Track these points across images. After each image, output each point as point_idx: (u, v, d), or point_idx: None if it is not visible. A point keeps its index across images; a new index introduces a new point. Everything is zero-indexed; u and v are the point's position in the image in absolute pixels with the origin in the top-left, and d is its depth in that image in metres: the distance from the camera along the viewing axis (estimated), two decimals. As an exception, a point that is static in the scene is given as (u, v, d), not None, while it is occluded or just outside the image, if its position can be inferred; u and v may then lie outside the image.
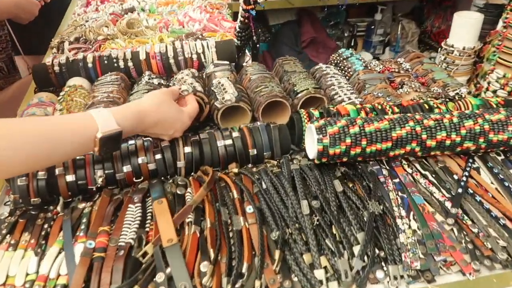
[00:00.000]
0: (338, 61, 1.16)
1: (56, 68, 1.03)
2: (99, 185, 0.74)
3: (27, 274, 0.62)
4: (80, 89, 0.98)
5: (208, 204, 0.69)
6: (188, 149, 0.78)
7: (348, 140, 0.74)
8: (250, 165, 0.82)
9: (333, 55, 1.19)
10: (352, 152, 0.75)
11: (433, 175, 0.77)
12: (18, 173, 0.65)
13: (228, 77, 0.96)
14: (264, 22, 2.33)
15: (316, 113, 0.86)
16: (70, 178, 0.73)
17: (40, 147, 0.57)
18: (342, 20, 2.53)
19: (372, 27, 2.47)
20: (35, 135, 0.57)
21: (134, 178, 0.76)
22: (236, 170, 0.77)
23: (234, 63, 1.16)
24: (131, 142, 0.78)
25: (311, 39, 2.32)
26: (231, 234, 0.65)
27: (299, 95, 0.91)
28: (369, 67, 1.08)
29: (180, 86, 0.84)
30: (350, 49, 1.18)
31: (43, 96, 0.96)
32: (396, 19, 2.55)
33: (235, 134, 0.81)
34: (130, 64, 1.06)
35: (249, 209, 0.69)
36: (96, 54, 1.06)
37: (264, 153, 0.82)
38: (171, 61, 1.08)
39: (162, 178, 0.78)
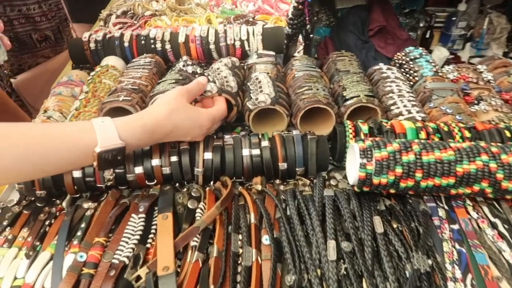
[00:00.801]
0: (404, 62, 0.98)
1: (92, 45, 0.97)
2: (108, 184, 0.68)
3: (15, 278, 0.57)
4: (112, 70, 0.92)
5: (219, 227, 0.59)
6: (208, 155, 0.68)
7: (399, 170, 0.60)
8: (278, 181, 0.70)
9: (398, 54, 1.02)
10: (402, 185, 0.61)
11: (506, 226, 0.61)
12: (4, 182, 0.60)
13: (268, 73, 0.84)
14: (330, 5, 2.14)
15: (364, 127, 0.72)
16: (77, 174, 0.66)
17: (26, 159, 0.50)
18: (419, 7, 2.25)
19: (454, 18, 2.17)
20: (19, 145, 0.50)
21: (146, 181, 0.68)
22: (259, 188, 0.66)
23: (282, 54, 1.03)
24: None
25: (380, 28, 2.09)
26: (239, 269, 0.55)
27: (348, 102, 0.77)
28: (440, 73, 0.90)
29: (205, 81, 0.74)
30: (421, 48, 1.00)
31: (73, 74, 0.91)
32: (483, 11, 2.23)
33: (264, 143, 0.70)
34: (167, 46, 0.97)
35: (266, 239, 0.58)
36: (134, 33, 0.98)
37: (297, 169, 0.70)
38: (211, 46, 0.97)
39: (177, 184, 0.69)
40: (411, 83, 0.92)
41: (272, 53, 0.95)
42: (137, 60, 0.93)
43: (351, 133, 0.71)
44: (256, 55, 0.95)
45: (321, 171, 0.72)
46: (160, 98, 0.65)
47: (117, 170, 0.67)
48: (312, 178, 0.70)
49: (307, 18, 1.00)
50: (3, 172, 0.49)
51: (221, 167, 0.69)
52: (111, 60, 0.96)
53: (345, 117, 0.77)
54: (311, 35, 1.04)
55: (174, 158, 0.67)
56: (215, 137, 0.71)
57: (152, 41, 0.97)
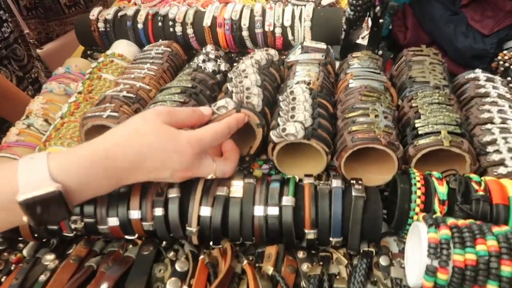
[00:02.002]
0: (510, 64, 0.69)
1: (101, 25, 0.79)
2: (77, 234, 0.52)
3: None
4: (118, 60, 0.74)
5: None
6: (205, 211, 0.49)
7: (494, 285, 0.37)
8: (301, 254, 0.50)
9: (501, 54, 0.72)
10: (495, 312, 0.37)
11: None
12: None
13: (310, 82, 0.61)
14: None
15: (441, 189, 0.47)
16: (36, 218, 0.51)
17: None
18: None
19: None
20: None
21: (123, 235, 0.51)
22: (271, 270, 0.46)
23: (339, 45, 0.78)
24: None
25: (477, -5, 1.68)
26: None
27: (421, 141, 0.52)
28: None
29: (208, 113, 0.52)
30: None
31: (72, 65, 0.74)
32: None
33: (287, 200, 0.48)
34: (189, 31, 0.76)
35: None
36: (151, 11, 0.78)
37: (331, 239, 0.48)
38: (244, 33, 0.75)
39: (164, 243, 0.51)
40: (523, 103, 0.63)
41: (323, 45, 0.71)
42: (148, 49, 0.74)
43: (419, 196, 0.47)
44: (300, 48, 0.71)
45: (370, 241, 0.50)
46: (124, 122, 0.46)
47: (86, 219, 0.50)
48: (352, 254, 0.49)
49: (377, -3, 0.73)
50: None
51: (222, 228, 0.49)
52: (121, 47, 0.78)
53: (413, 163, 0.52)
54: (380, 20, 0.76)
55: (158, 212, 0.49)
56: (216, 182, 0.51)
57: (171, 22, 0.77)
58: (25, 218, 0.38)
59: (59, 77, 0.72)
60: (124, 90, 0.61)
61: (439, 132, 0.52)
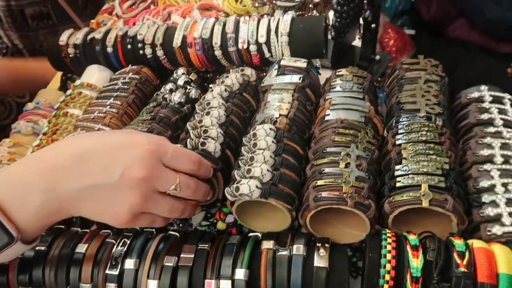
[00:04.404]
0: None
1: (71, 50, 0.75)
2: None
3: None
4: (87, 90, 0.70)
5: None
6: (153, 285, 0.45)
7: None
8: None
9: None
10: None
11: None
12: None
13: (277, 118, 0.53)
14: None
15: (416, 262, 0.40)
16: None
17: None
18: None
19: None
20: None
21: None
22: None
23: (324, 58, 0.69)
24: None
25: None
26: None
27: (398, 197, 0.44)
28: None
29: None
30: None
31: (41, 99, 0.71)
32: None
33: (240, 274, 0.43)
34: (160, 53, 0.70)
35: None
36: (120, 32, 0.73)
37: (291, 313, 0.43)
38: (217, 52, 0.68)
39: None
40: (536, 127, 0.53)
41: (302, 64, 0.62)
42: (115, 78, 0.69)
43: (388, 271, 0.40)
44: (276, 69, 0.63)
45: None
46: None
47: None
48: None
49: (364, 1, 0.62)
50: None
51: (172, 298, 0.45)
52: (91, 73, 0.73)
53: (389, 220, 0.45)
54: (372, 25, 0.66)
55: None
56: (166, 255, 0.46)
57: (140, 45, 0.71)
58: None
59: (28, 114, 0.70)
60: (80, 137, 0.57)
61: (420, 187, 0.44)
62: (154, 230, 0.51)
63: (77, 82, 0.71)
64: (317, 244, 0.44)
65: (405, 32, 1.68)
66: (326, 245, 0.44)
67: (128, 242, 0.47)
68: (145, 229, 0.51)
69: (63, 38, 0.75)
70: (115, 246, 0.47)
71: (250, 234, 0.48)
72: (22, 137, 0.66)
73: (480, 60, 1.63)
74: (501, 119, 0.51)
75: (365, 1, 0.62)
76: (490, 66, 1.52)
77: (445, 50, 1.70)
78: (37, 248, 0.48)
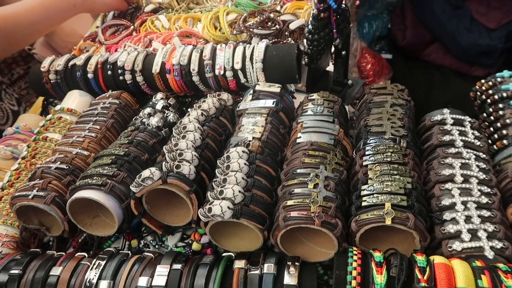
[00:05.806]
0: (486, 97, 0.61)
1: (52, 76, 0.76)
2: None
3: None
4: (67, 115, 0.71)
5: None
6: (126, 307, 0.45)
7: None
8: None
9: (479, 83, 0.64)
10: None
11: None
12: None
13: (250, 142, 0.56)
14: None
15: (380, 278, 0.42)
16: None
17: None
18: None
19: None
20: None
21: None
22: None
23: (297, 83, 0.72)
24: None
25: (482, -14, 1.56)
26: None
27: (363, 216, 0.46)
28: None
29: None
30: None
31: (21, 124, 0.72)
32: None
33: (211, 293, 0.44)
34: (139, 78, 0.73)
35: None
36: (101, 59, 0.75)
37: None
38: (195, 78, 0.70)
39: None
40: (496, 147, 0.56)
41: (276, 89, 0.65)
42: (95, 103, 0.71)
43: (356, 270, 0.42)
44: (251, 94, 0.66)
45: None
46: None
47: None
48: None
49: (334, 31, 0.66)
50: None
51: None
52: (72, 98, 0.75)
53: (357, 238, 0.47)
54: (343, 52, 0.70)
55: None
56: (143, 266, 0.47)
57: (120, 71, 0.73)
58: None
59: (8, 139, 0.70)
60: (58, 161, 0.58)
61: (383, 206, 0.46)
62: (129, 252, 0.52)
63: (58, 107, 0.73)
64: (288, 263, 0.46)
65: (382, 56, 1.74)
66: (296, 263, 0.46)
67: (103, 264, 0.48)
68: (120, 251, 0.52)
69: (45, 64, 0.77)
70: (89, 269, 0.48)
71: (224, 254, 0.50)
72: (0, 161, 0.67)
73: (454, 83, 1.70)
74: (462, 140, 0.54)
75: (334, 30, 0.66)
76: (464, 89, 1.58)
77: (421, 74, 1.77)
78: (11, 272, 0.48)
